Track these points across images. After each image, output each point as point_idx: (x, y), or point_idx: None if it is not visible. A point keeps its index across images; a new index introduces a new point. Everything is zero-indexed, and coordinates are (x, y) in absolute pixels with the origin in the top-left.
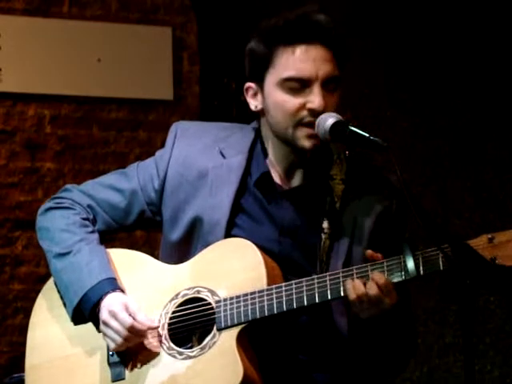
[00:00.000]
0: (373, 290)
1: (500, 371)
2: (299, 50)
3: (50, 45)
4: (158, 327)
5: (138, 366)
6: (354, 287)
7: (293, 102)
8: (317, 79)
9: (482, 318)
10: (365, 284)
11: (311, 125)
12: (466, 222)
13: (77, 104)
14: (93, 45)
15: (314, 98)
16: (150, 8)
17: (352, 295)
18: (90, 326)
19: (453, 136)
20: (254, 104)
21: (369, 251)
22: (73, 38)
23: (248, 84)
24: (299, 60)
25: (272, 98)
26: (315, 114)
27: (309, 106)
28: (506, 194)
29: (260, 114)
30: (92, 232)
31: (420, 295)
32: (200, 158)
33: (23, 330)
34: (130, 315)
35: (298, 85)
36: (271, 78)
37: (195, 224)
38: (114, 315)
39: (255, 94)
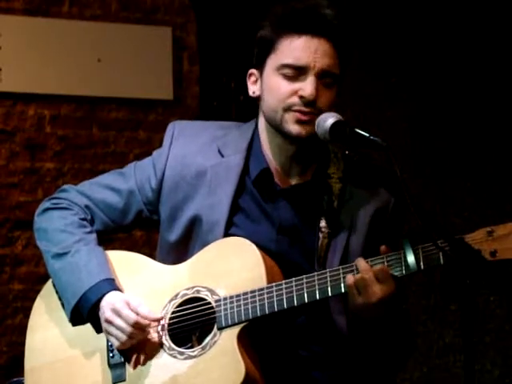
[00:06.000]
0: (368, 273)
1: (500, 371)
2: (302, 39)
3: (50, 45)
4: (162, 318)
5: (139, 367)
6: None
7: (286, 87)
8: (313, 69)
9: (482, 318)
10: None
11: (300, 112)
12: (466, 222)
13: (77, 104)
14: (93, 45)
15: (306, 86)
16: (149, 8)
17: (350, 279)
18: (89, 327)
19: (453, 136)
20: (253, 90)
21: (383, 247)
22: (73, 38)
23: (251, 70)
24: (300, 48)
25: (268, 82)
26: (305, 102)
27: (300, 93)
28: (506, 193)
29: (257, 101)
30: (90, 232)
31: (420, 295)
32: (198, 157)
33: (23, 329)
34: (132, 311)
35: (293, 72)
36: (271, 63)
37: (194, 223)
38: (117, 313)
39: (256, 81)
